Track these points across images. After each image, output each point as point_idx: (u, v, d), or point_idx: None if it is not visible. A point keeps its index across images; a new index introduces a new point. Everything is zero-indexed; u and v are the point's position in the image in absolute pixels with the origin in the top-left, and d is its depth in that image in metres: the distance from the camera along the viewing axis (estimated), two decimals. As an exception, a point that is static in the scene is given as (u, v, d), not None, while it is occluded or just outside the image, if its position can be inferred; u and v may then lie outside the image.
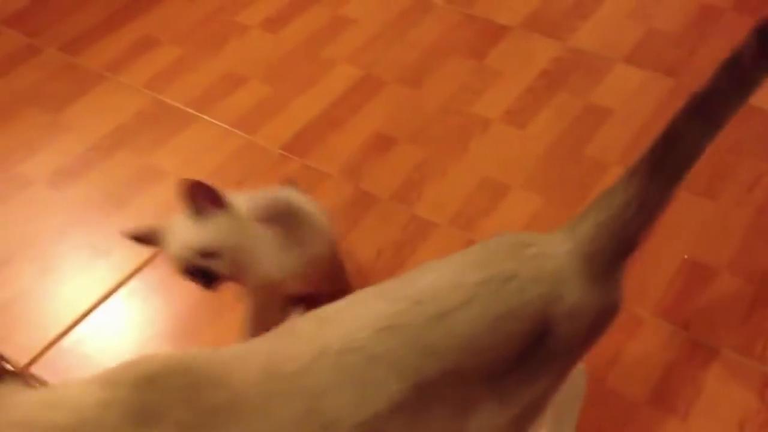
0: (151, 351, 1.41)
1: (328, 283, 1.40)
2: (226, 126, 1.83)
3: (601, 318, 0.97)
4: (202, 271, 1.17)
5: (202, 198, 1.16)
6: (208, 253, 1.16)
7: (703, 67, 1.90)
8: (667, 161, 0.96)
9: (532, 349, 0.92)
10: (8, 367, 1.16)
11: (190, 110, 1.87)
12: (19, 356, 1.42)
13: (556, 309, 0.92)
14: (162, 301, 1.49)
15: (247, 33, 2.07)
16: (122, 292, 1.52)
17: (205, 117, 1.85)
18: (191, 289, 1.50)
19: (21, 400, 0.84)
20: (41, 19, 2.13)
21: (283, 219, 1.27)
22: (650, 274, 1.49)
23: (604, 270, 0.96)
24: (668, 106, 1.81)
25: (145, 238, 1.20)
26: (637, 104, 1.82)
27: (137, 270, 1.55)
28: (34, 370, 1.40)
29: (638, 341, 1.39)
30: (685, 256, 1.52)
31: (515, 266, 0.93)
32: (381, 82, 1.91)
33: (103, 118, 1.86)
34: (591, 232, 0.96)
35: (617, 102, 1.83)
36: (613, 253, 0.96)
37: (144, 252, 1.57)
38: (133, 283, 1.53)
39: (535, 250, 0.95)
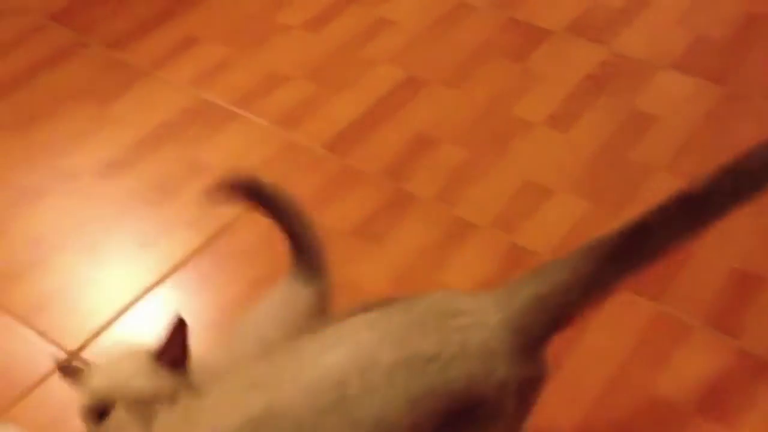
0: (198, 341, 1.43)
1: None
2: (268, 124, 1.84)
3: (525, 391, 0.92)
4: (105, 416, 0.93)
5: (176, 345, 0.95)
6: (131, 405, 0.92)
7: (751, 75, 1.89)
8: (634, 251, 0.89)
9: (458, 420, 0.88)
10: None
11: (233, 108, 1.88)
12: (68, 342, 1.43)
13: (486, 383, 0.87)
14: (209, 292, 1.50)
15: (288, 33, 2.08)
16: (169, 282, 1.53)
17: (247, 115, 1.87)
18: (238, 280, 1.52)
19: None
20: (88, 16, 2.16)
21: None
22: (700, 282, 1.48)
23: (533, 344, 0.91)
24: (716, 114, 1.80)
25: (73, 373, 0.98)
26: (684, 111, 1.81)
27: (185, 261, 1.56)
28: (84, 356, 1.42)
29: (688, 349, 1.38)
30: (736, 265, 1.51)
31: (439, 342, 0.86)
32: (422, 83, 1.92)
33: (148, 114, 1.88)
34: (528, 304, 0.90)
35: (664, 108, 1.82)
36: (545, 329, 0.91)
37: (191, 243, 1.59)
38: (180, 274, 1.54)
39: (463, 321, 0.88)
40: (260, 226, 1.62)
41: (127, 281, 1.54)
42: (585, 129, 1.79)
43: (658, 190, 1.66)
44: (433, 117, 1.84)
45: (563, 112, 1.83)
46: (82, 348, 1.44)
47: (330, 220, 1.63)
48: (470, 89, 1.90)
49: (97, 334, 1.46)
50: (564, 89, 1.89)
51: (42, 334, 1.46)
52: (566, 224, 1.60)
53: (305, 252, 1.19)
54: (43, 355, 1.42)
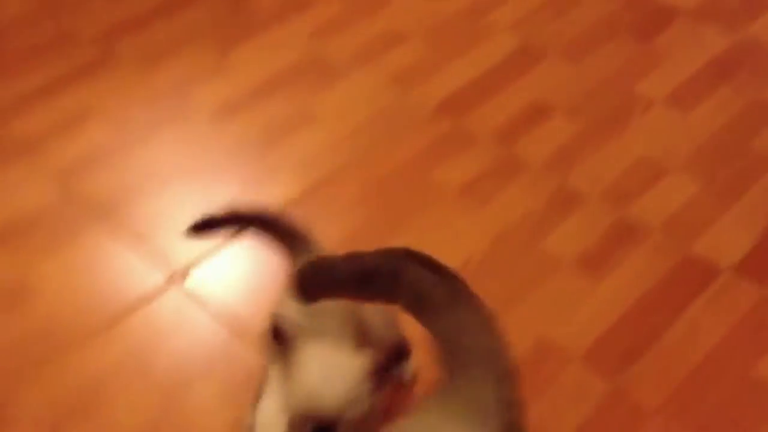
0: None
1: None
2: (381, 81, 1.84)
3: None
4: None
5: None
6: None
7: None
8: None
9: None
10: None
11: (348, 63, 1.90)
12: (173, 263, 1.48)
13: None
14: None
15: (409, -5, 2.08)
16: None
17: (361, 71, 1.88)
18: (329, 232, 1.53)
19: None
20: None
21: None
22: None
23: None
24: None
25: (282, 333, 0.95)
26: (813, 101, 1.72)
27: (283, 206, 1.59)
28: (190, 277, 1.47)
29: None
30: None
31: None
32: (541, 54, 1.88)
33: (264, 63, 1.91)
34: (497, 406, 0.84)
35: (791, 97, 1.74)
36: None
37: (292, 190, 1.61)
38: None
39: None
40: (360, 179, 1.62)
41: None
42: (706, 112, 1.72)
43: (780, 179, 1.58)
44: (549, 87, 1.81)
45: (685, 94, 1.77)
46: (185, 272, 1.49)
47: (436, 179, 1.62)
48: (589, 63, 1.86)
49: (198, 260, 1.51)
50: (687, 71, 1.82)
51: (149, 255, 1.52)
52: (676, 203, 1.55)
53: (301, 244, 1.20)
54: (150, 275, 1.47)
